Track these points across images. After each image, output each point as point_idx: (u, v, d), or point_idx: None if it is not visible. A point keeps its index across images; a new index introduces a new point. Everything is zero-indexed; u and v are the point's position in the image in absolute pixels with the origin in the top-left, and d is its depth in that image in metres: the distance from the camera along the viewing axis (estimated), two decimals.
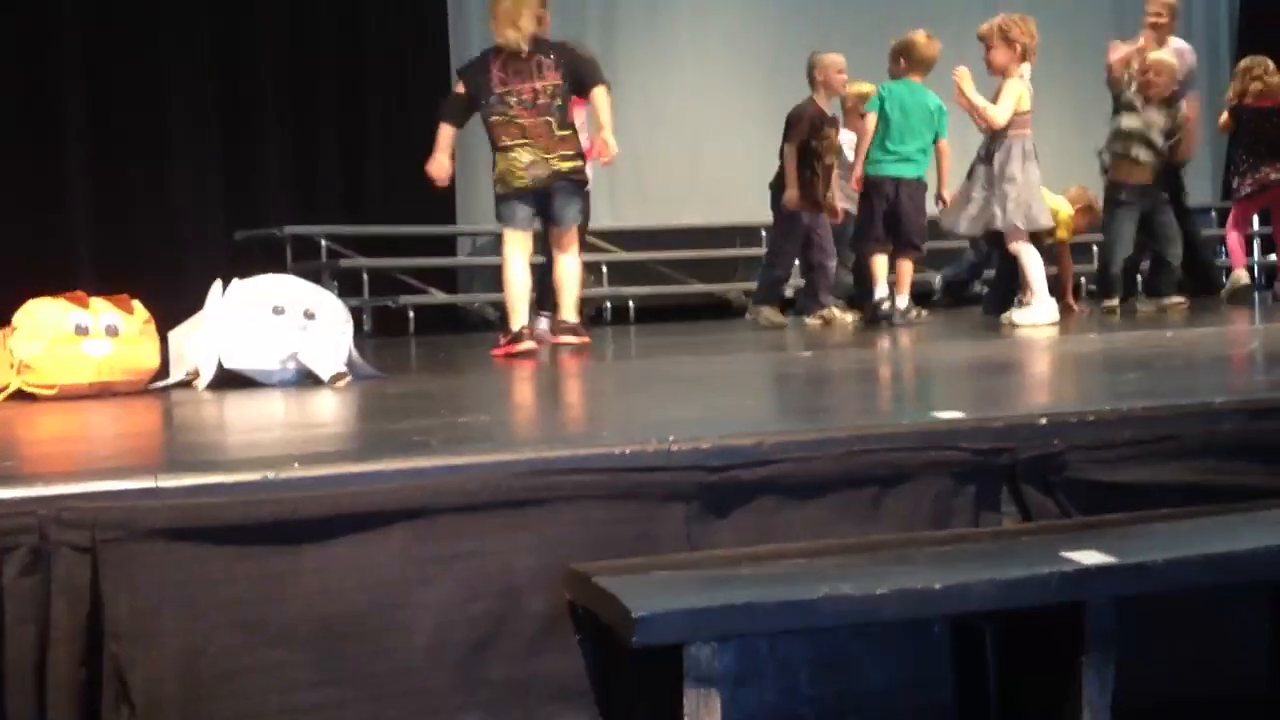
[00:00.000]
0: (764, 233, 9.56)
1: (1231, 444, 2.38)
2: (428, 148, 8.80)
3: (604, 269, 8.97)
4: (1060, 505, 2.25)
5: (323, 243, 8.35)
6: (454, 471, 2.03)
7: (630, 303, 8.94)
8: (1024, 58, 5.78)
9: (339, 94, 8.67)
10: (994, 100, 5.78)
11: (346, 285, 8.09)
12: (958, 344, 5.15)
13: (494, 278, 9.39)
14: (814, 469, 2.21)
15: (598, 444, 2.20)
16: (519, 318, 5.29)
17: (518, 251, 5.39)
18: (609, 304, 8.97)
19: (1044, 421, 2.29)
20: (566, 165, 5.24)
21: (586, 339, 5.56)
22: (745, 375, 4.26)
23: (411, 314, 8.49)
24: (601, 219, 9.33)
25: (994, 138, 5.80)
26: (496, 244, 9.29)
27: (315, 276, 7.75)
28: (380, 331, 8.22)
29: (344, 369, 3.80)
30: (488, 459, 2.09)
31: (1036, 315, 5.71)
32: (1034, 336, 5.20)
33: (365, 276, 8.39)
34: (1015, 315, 5.80)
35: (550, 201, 5.31)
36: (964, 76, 5.80)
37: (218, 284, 3.85)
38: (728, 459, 2.17)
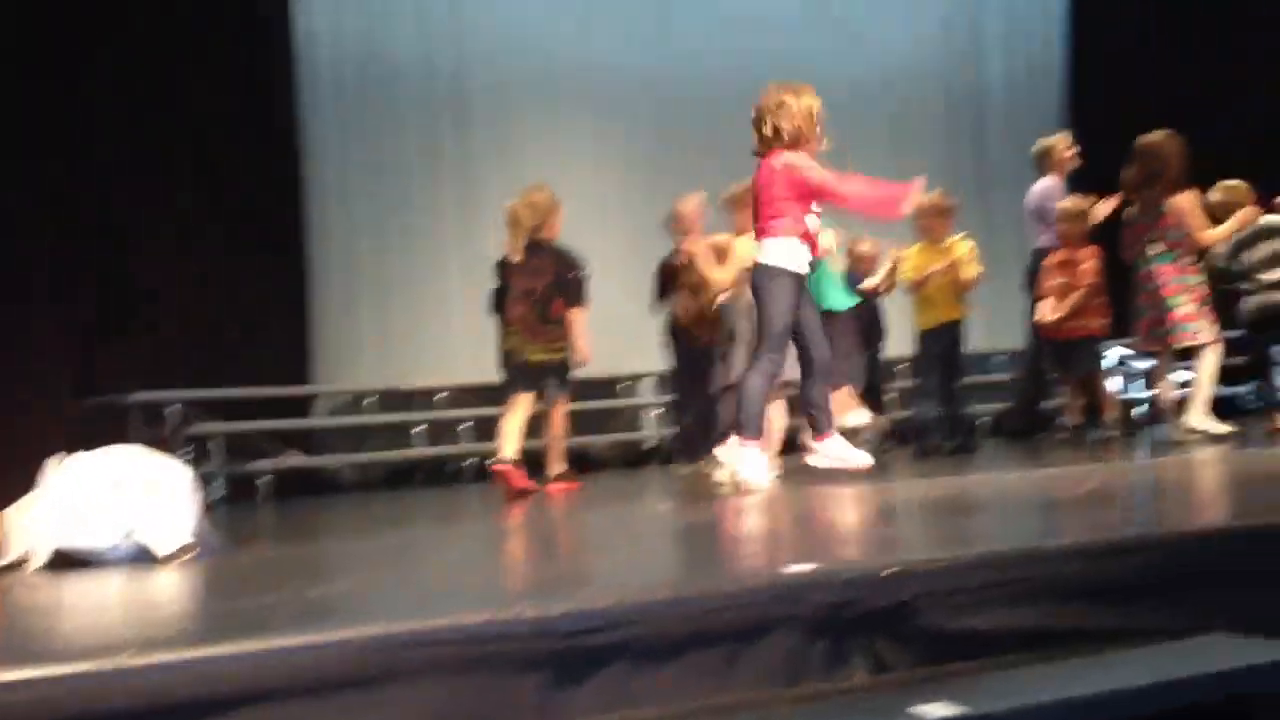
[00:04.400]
0: (620, 385, 9.71)
1: (1075, 587, 2.43)
2: (280, 308, 8.82)
3: (466, 425, 8.94)
4: (911, 655, 2.26)
5: (172, 408, 8.15)
6: (294, 653, 1.96)
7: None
8: None
9: (189, 255, 8.56)
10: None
11: (199, 452, 7.90)
12: (808, 490, 5.21)
13: (354, 438, 9.32)
14: (668, 630, 2.19)
15: (448, 613, 2.15)
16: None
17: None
18: (471, 461, 8.90)
19: (892, 570, 2.31)
20: None
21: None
22: (605, 532, 4.25)
23: (268, 478, 8.30)
24: (469, 374, 9.32)
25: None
26: (355, 404, 9.29)
27: (165, 444, 7.56)
28: (236, 498, 8.02)
29: (190, 542, 3.68)
30: (332, 636, 2.02)
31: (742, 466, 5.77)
32: (880, 484, 5.27)
33: (218, 442, 8.20)
34: (721, 470, 5.85)
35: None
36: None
37: (53, 459, 3.72)
38: (580, 624, 2.14)
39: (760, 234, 5.14)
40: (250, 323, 8.62)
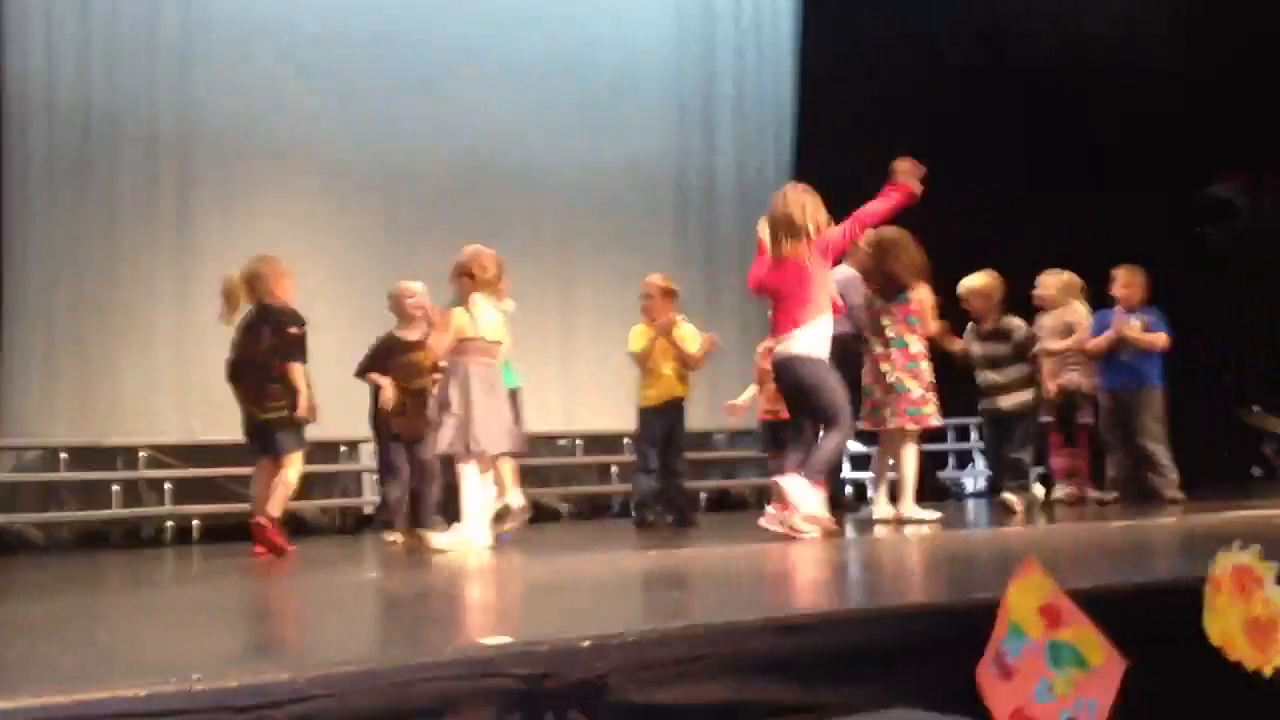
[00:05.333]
0: (343, 448, 9.40)
1: (765, 661, 2.46)
2: None
3: (167, 486, 8.47)
4: None
5: None
6: None
7: (195, 522, 8.42)
8: (478, 288, 6.07)
9: None
10: None
11: None
12: (511, 564, 5.17)
13: (38, 495, 8.64)
14: (355, 704, 2.08)
15: (110, 684, 1.98)
16: None
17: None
18: (171, 524, 8.42)
19: (586, 644, 2.28)
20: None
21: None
22: (305, 601, 4.07)
23: None
24: (170, 433, 8.83)
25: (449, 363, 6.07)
26: (44, 459, 8.62)
27: None
28: None
29: None
30: None
31: (457, 539, 5.79)
32: (591, 555, 5.29)
33: None
34: (436, 539, 5.91)
35: None
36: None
37: None
38: (259, 697, 2.00)
39: (795, 323, 5.74)
40: None
